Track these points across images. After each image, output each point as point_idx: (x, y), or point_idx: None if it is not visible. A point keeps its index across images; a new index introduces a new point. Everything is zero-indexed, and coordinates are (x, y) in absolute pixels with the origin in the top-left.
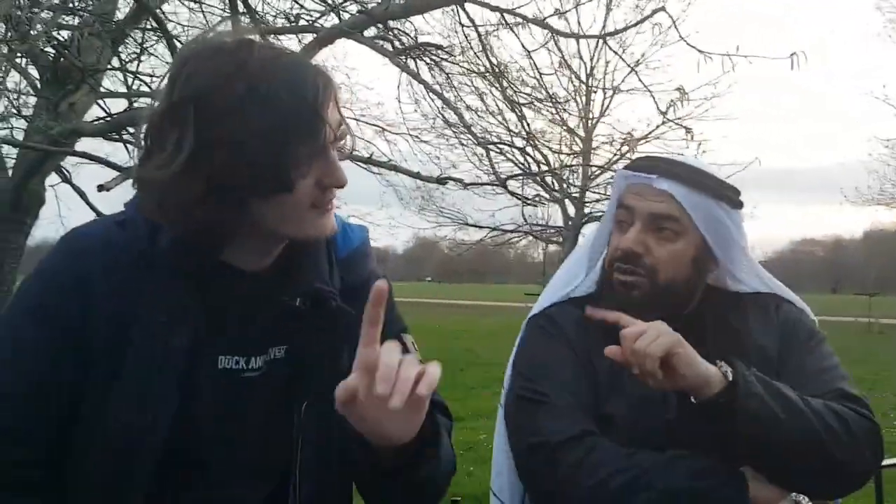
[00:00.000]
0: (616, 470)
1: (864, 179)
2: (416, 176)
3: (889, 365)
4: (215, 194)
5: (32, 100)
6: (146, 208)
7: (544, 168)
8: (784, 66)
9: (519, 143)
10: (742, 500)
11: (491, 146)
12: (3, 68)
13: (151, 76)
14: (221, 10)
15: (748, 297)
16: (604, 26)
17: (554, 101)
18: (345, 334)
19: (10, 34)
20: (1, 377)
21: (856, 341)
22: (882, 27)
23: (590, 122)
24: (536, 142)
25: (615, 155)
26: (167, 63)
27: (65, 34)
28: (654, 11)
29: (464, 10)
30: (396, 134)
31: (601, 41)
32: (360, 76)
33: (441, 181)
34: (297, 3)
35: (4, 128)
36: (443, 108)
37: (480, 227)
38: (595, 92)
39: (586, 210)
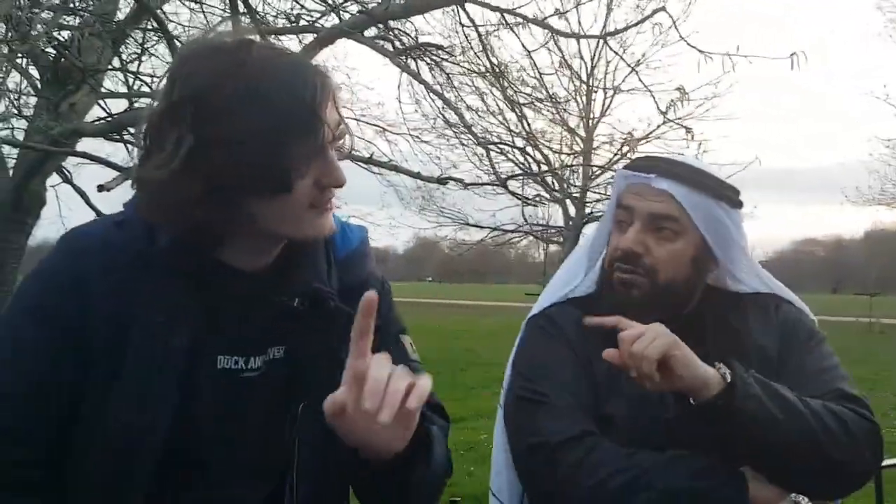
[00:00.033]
0: (616, 470)
1: (864, 179)
2: (417, 176)
3: (889, 365)
4: (214, 194)
5: (33, 100)
6: (145, 208)
7: (545, 168)
8: (784, 66)
9: (519, 143)
10: (742, 500)
11: (491, 146)
12: (4, 68)
13: (152, 76)
14: (222, 10)
15: (748, 297)
16: (604, 26)
17: (554, 101)
18: (343, 334)
19: (10, 34)
20: (1, 377)
21: (856, 341)
22: (882, 27)
23: (590, 121)
24: (537, 142)
25: (616, 155)
26: (168, 63)
27: (65, 34)
28: (655, 11)
29: (464, 10)
30: (397, 134)
31: (602, 41)
32: (360, 76)
33: (441, 181)
34: (297, 3)
35: (5, 128)
36: (443, 108)
37: (481, 227)
38: (595, 92)
39: (587, 210)
